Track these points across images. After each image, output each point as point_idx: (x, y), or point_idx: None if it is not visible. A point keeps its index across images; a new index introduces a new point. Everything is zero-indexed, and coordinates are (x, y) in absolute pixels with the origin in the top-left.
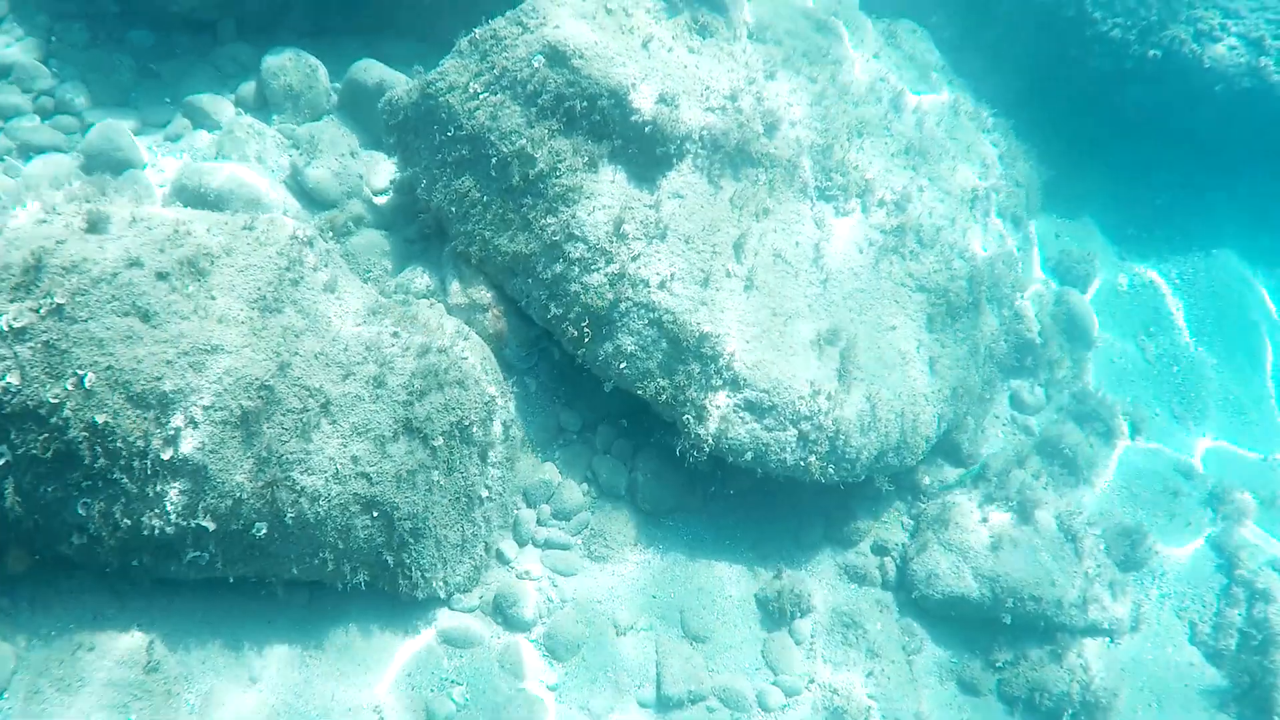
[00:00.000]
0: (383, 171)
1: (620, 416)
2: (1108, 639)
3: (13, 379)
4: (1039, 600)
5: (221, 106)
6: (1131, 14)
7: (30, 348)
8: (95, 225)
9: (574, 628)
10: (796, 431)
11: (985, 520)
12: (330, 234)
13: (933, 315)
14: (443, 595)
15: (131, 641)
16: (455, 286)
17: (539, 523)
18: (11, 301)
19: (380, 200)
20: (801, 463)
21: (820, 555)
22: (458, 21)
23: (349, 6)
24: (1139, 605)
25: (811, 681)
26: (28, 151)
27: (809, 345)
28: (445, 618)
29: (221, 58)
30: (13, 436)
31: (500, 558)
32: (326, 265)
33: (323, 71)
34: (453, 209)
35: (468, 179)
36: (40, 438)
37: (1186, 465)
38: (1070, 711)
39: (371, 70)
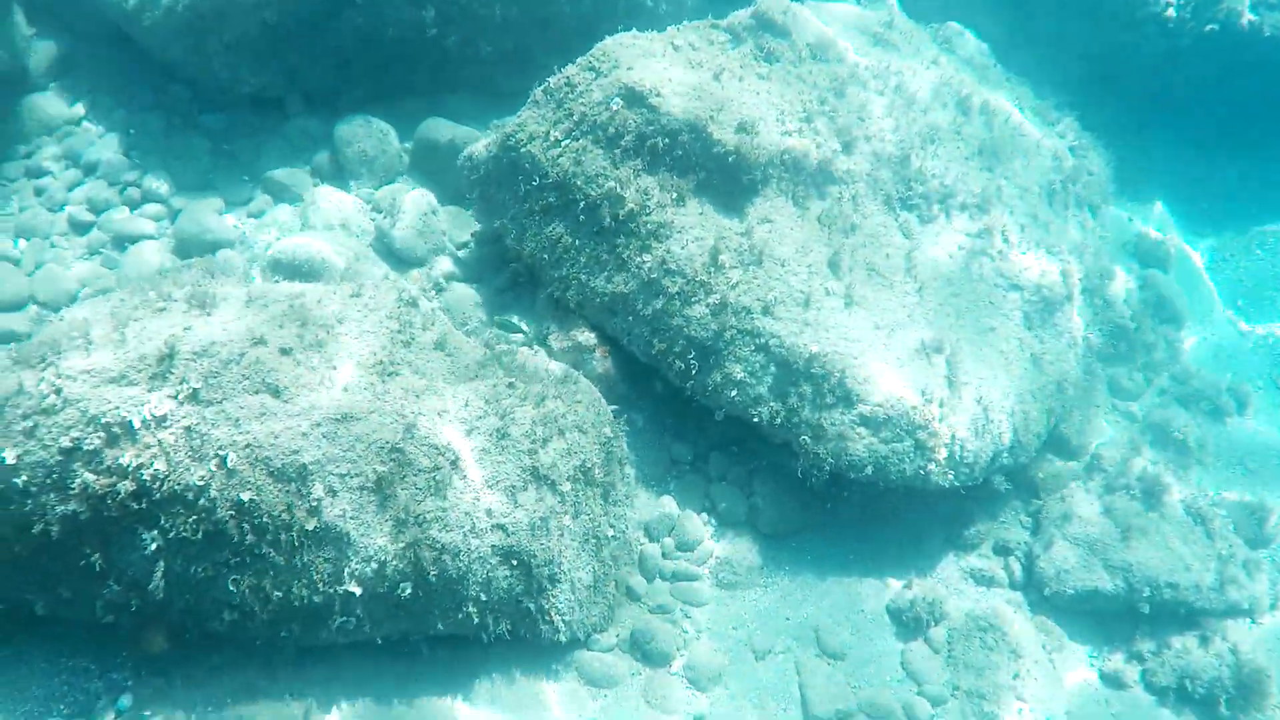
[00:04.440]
0: (463, 226)
1: (730, 443)
2: (1249, 619)
3: (159, 465)
4: (1176, 586)
5: (299, 179)
6: None
7: (172, 433)
8: (204, 305)
9: (713, 657)
10: (913, 441)
11: (1108, 511)
12: (429, 292)
13: (1028, 312)
14: (581, 637)
15: (287, 711)
16: (557, 332)
17: (664, 556)
18: (150, 391)
19: (463, 254)
20: (921, 471)
21: (944, 561)
22: (516, 73)
23: (408, 70)
24: (1275, 582)
25: (956, 689)
26: (122, 242)
27: (914, 354)
28: (585, 659)
29: (292, 131)
30: (163, 521)
31: (631, 594)
32: (434, 323)
33: (393, 134)
34: (545, 255)
35: (558, 225)
36: (189, 520)
37: None
38: (1225, 697)
39: (441, 128)
